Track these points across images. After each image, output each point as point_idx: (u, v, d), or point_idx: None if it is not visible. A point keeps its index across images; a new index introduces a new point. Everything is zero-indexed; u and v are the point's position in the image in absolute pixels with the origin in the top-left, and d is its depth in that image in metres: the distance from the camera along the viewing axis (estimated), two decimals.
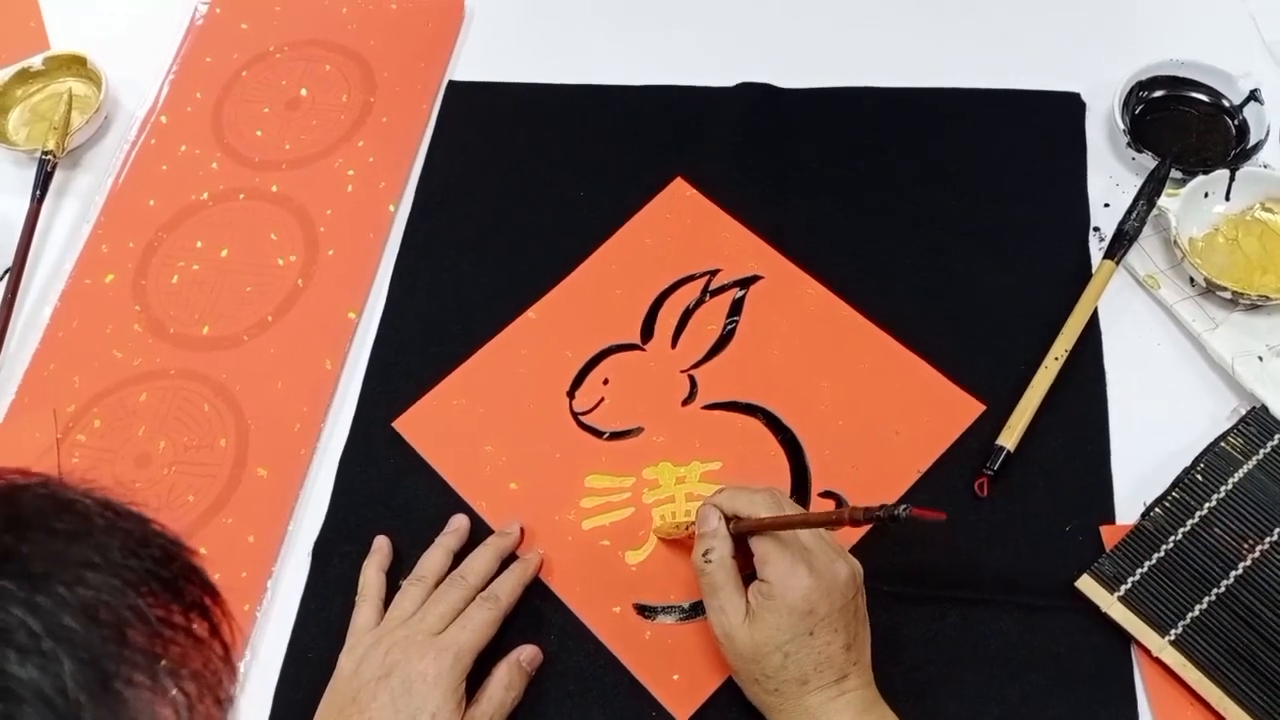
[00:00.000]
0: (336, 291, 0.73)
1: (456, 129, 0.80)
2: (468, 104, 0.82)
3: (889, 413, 0.65)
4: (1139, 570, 0.59)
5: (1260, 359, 0.65)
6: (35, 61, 0.85)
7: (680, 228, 0.73)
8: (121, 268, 0.76)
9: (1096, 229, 0.71)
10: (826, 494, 0.63)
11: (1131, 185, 0.72)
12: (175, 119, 0.83)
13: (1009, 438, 0.62)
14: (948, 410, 0.65)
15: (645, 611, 0.60)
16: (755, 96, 0.79)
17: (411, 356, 0.70)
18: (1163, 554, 0.59)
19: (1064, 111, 0.76)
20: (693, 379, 0.68)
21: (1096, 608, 0.58)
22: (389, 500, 0.65)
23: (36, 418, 0.69)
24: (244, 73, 0.85)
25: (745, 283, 0.71)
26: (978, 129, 0.76)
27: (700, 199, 0.74)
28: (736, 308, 0.70)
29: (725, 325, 0.69)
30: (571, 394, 0.68)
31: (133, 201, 0.79)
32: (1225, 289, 0.65)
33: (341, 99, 0.82)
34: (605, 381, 0.68)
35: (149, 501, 0.65)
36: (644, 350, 0.69)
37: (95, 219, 0.79)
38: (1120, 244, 0.69)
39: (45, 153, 0.78)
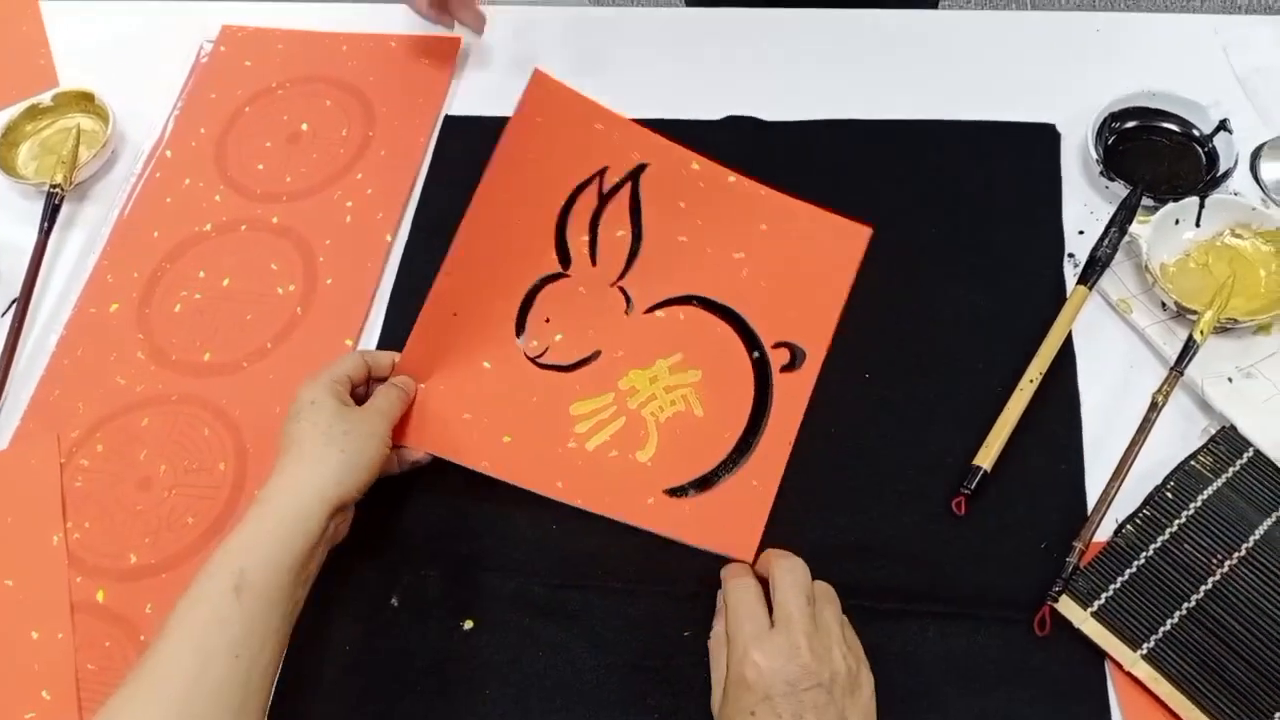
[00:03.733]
0: (334, 319, 0.75)
1: (452, 162, 0.83)
2: (463, 137, 0.84)
3: (798, 260, 0.73)
4: (1112, 586, 0.60)
5: (1230, 380, 0.67)
6: (45, 98, 0.88)
7: (555, 132, 0.71)
8: (126, 297, 0.78)
9: (1071, 255, 0.73)
10: (780, 344, 0.70)
11: (1105, 213, 0.74)
12: (180, 153, 0.86)
13: (985, 458, 0.64)
14: (844, 242, 0.74)
15: (675, 493, 0.66)
16: (742, 129, 0.81)
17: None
18: (1135, 570, 0.60)
19: (1040, 142, 0.79)
20: (624, 290, 0.71)
21: (1071, 623, 0.59)
22: (385, 519, 0.66)
23: (41, 443, 0.71)
24: (247, 108, 0.88)
25: (634, 175, 0.73)
26: (957, 159, 0.78)
27: (563, 88, 0.72)
28: (635, 205, 0.73)
29: (632, 228, 0.72)
30: (520, 341, 0.70)
31: (138, 233, 0.81)
32: (1195, 312, 0.67)
33: (341, 133, 0.85)
34: (547, 320, 0.70)
35: (150, 524, 0.67)
36: (569, 276, 0.71)
37: (101, 250, 0.81)
38: (1093, 269, 0.71)
39: (53, 186, 0.81)
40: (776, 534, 0.64)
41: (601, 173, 0.73)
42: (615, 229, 0.72)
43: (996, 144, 0.79)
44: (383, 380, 0.67)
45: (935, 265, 0.74)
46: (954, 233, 0.75)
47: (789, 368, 0.70)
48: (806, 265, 0.73)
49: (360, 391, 0.66)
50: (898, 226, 0.75)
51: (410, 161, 0.82)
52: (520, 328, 0.70)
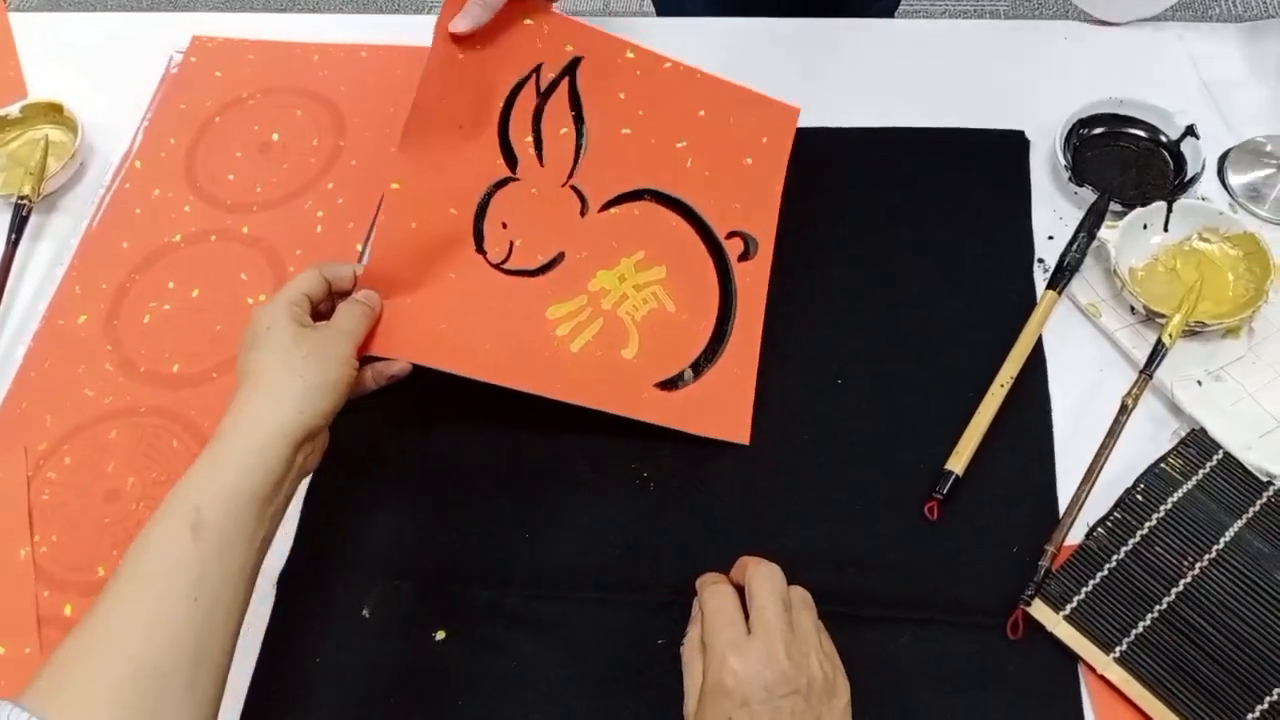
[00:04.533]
0: None
1: None
2: None
3: (736, 147, 0.75)
4: (1084, 590, 0.60)
5: (1199, 383, 0.67)
6: (13, 109, 0.87)
7: (484, 33, 0.68)
8: (94, 308, 0.77)
9: (1040, 260, 0.74)
10: (732, 234, 0.72)
11: (1074, 218, 0.74)
12: (149, 164, 0.85)
13: (957, 462, 0.64)
14: (776, 124, 0.76)
15: (666, 385, 0.68)
16: None
17: (378, 391, 0.71)
18: (1106, 573, 0.60)
19: (1009, 149, 0.79)
20: (576, 189, 0.71)
21: (1044, 627, 0.59)
22: (357, 529, 0.66)
23: (8, 455, 0.70)
24: (217, 118, 0.87)
25: (569, 69, 0.72)
26: (927, 166, 0.79)
27: None
28: (575, 100, 0.72)
29: (574, 125, 0.72)
30: (481, 250, 0.68)
31: (106, 244, 0.81)
32: (1164, 316, 0.68)
33: (312, 143, 0.85)
34: (504, 225, 0.69)
35: (118, 536, 0.67)
36: (519, 179, 0.70)
37: (69, 261, 0.80)
38: (1062, 274, 0.71)
39: (21, 197, 0.80)
40: (749, 541, 0.63)
41: (537, 70, 0.71)
42: (558, 126, 0.71)
43: (966, 151, 0.79)
44: (346, 295, 0.63)
45: (906, 271, 0.74)
46: (924, 239, 0.75)
47: (745, 257, 0.72)
48: (744, 151, 0.75)
49: (324, 307, 0.63)
50: (866, 234, 0.76)
51: (381, 171, 0.82)
52: (479, 235, 0.68)
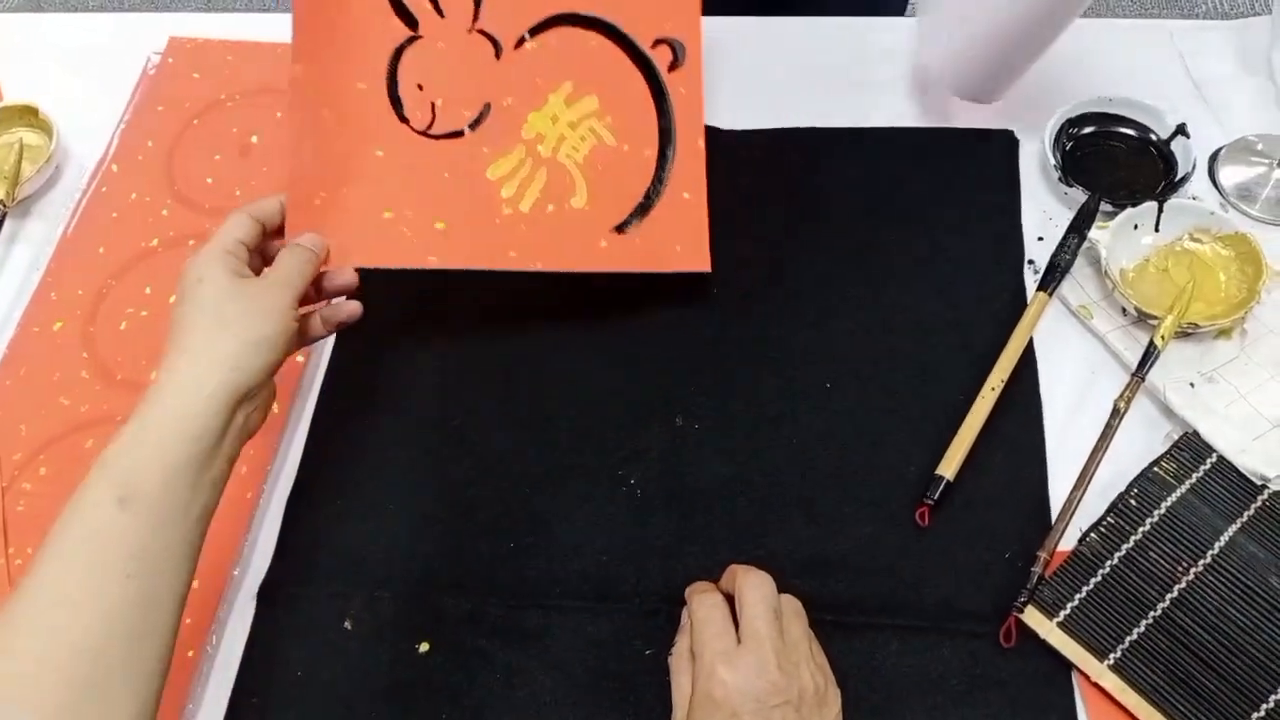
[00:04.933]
0: None
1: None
2: None
3: None
4: (1077, 596, 0.59)
5: (1192, 385, 0.66)
6: None
7: None
8: (70, 315, 0.76)
9: (1031, 262, 0.73)
10: (658, 42, 0.70)
11: (1064, 218, 0.74)
12: (126, 167, 0.84)
13: (948, 467, 0.63)
14: None
15: (621, 228, 0.67)
16: None
17: (360, 396, 0.70)
18: (1100, 579, 0.60)
19: (998, 148, 0.78)
20: (484, 33, 0.67)
21: (1037, 634, 0.58)
22: (337, 541, 0.65)
23: None
24: (195, 121, 0.86)
25: None
26: (914, 167, 0.78)
27: None
28: None
29: None
30: (404, 118, 0.66)
31: (83, 249, 0.79)
32: (1156, 318, 0.67)
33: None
34: (420, 88, 0.65)
35: None
36: (422, 36, 0.66)
37: (45, 267, 0.79)
38: (1053, 276, 0.70)
39: None
40: (735, 546, 0.62)
41: None
42: None
43: (954, 151, 0.78)
44: (279, 231, 0.60)
45: (894, 274, 0.73)
46: (912, 242, 0.74)
47: (674, 66, 0.70)
48: None
49: (275, 246, 0.60)
50: (855, 236, 0.75)
51: None
52: (397, 104, 0.65)
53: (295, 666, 0.60)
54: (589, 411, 0.69)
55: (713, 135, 0.79)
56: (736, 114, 0.81)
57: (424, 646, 0.61)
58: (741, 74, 0.84)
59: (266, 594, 0.63)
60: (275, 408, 0.69)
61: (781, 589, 0.57)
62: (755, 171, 0.78)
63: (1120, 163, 0.77)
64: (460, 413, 0.69)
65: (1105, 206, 0.73)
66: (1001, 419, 0.65)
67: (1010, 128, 0.79)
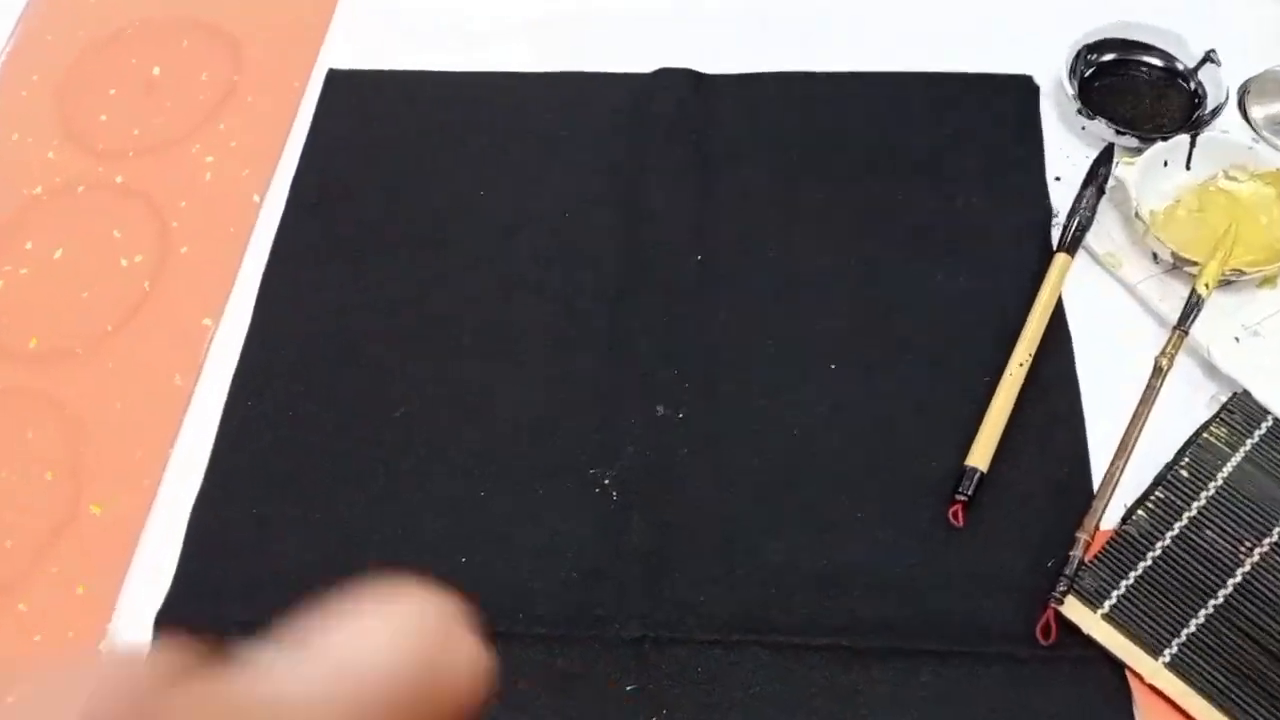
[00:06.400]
0: (191, 295, 0.62)
1: (338, 121, 0.70)
2: (350, 94, 0.72)
3: None
4: (1124, 583, 0.51)
5: (1236, 340, 0.58)
6: None
7: None
8: None
9: (1055, 214, 0.64)
10: None
11: (1082, 157, 0.65)
12: (8, 104, 0.72)
13: (980, 457, 0.54)
14: None
15: None
16: (676, 83, 0.70)
17: (283, 375, 0.60)
18: (1150, 562, 0.52)
19: (1016, 96, 0.69)
20: None
21: (1087, 656, 0.50)
22: (254, 556, 0.54)
23: None
24: (89, 52, 0.74)
25: None
26: (921, 116, 0.68)
27: None
28: None
29: None
30: None
31: None
32: (1195, 264, 0.59)
33: (201, 78, 0.72)
34: None
35: None
36: None
37: None
38: (1073, 232, 0.62)
39: None
40: (734, 563, 0.53)
41: None
42: None
43: (965, 99, 0.69)
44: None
45: (905, 239, 0.64)
46: (924, 201, 0.65)
47: None
48: None
49: None
50: (857, 196, 0.65)
51: (284, 110, 0.70)
52: None
53: None
54: (553, 400, 0.59)
55: (695, 81, 0.70)
56: (720, 58, 0.71)
57: None
58: (723, 15, 0.75)
59: (164, 623, 0.52)
60: (179, 379, 0.59)
61: (783, 609, 0.50)
62: (744, 122, 0.69)
63: (1143, 94, 0.69)
64: (398, 395, 0.59)
65: (1130, 142, 0.65)
66: (1033, 397, 0.57)
67: (1021, 65, 0.70)
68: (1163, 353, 0.56)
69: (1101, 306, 0.61)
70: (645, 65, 0.71)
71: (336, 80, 0.73)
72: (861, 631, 0.51)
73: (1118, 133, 0.65)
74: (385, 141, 0.70)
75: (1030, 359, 0.58)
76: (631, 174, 0.67)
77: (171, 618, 0.52)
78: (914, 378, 0.59)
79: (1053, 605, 0.50)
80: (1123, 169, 0.63)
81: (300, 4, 0.75)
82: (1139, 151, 0.64)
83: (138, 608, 0.52)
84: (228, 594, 0.53)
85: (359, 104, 0.72)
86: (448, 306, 0.62)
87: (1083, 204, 0.63)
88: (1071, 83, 0.67)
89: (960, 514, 0.54)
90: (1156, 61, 0.70)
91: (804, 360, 0.59)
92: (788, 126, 0.69)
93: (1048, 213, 0.65)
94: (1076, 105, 0.66)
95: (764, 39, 0.73)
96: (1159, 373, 0.56)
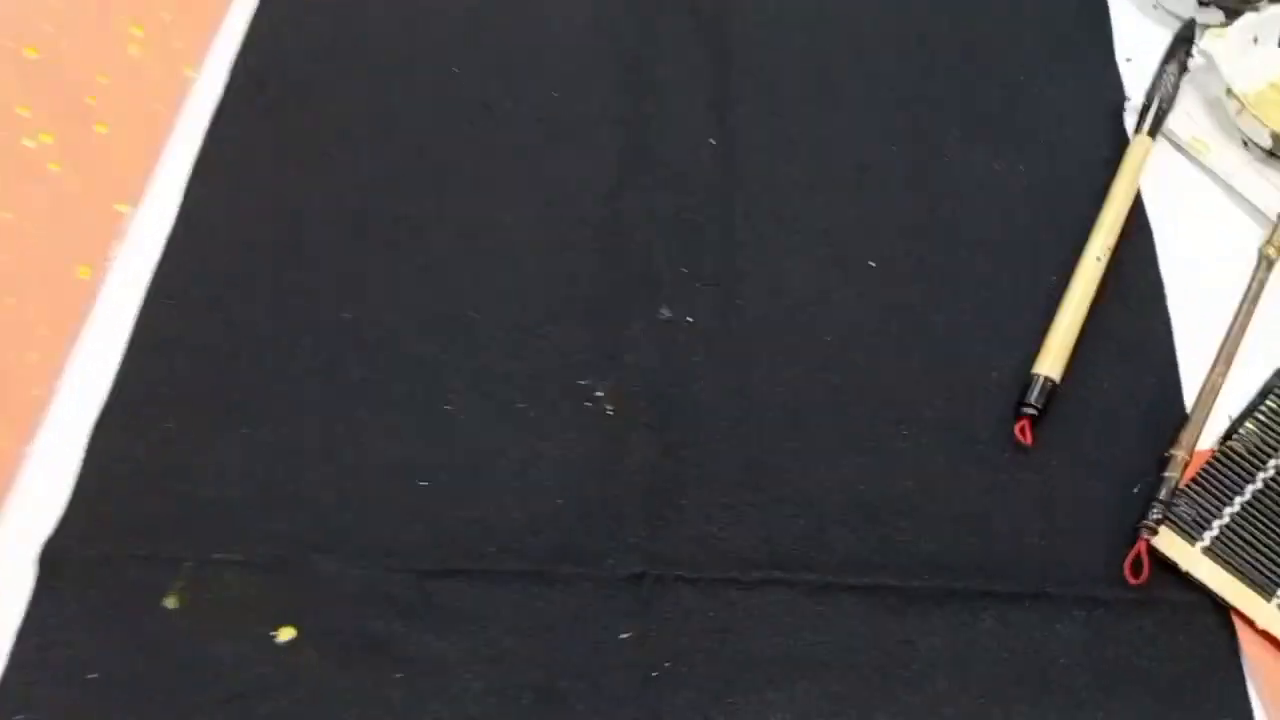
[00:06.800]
0: (107, 180, 0.52)
1: None
2: None
3: None
4: (1227, 511, 0.43)
5: None
6: None
7: None
8: None
9: (1128, 99, 0.55)
10: None
11: (1155, 37, 0.57)
12: None
13: (1051, 365, 0.45)
14: None
15: None
16: None
17: (212, 270, 0.50)
18: (1260, 485, 0.43)
19: None
20: None
21: (1185, 598, 0.41)
22: (161, 479, 0.44)
23: None
24: None
25: None
26: None
27: None
28: None
29: None
30: None
31: None
32: None
33: None
34: None
35: None
36: None
37: None
38: (1154, 113, 0.53)
39: None
40: (757, 491, 0.44)
41: None
42: None
43: None
44: None
45: (954, 123, 0.55)
46: (974, 84, 0.57)
47: None
48: None
49: None
50: (902, 76, 0.57)
51: None
52: None
53: (88, 665, 0.40)
54: (537, 298, 0.49)
55: None
56: None
57: (286, 633, 0.41)
58: None
59: (52, 560, 0.42)
60: (84, 272, 0.49)
61: (825, 543, 0.42)
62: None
63: None
64: (353, 297, 0.49)
65: (1213, 16, 0.56)
66: (1110, 296, 0.48)
67: None
68: (1268, 243, 0.47)
69: (1185, 197, 0.52)
70: None
71: None
72: (912, 570, 0.42)
73: (1200, 3, 0.56)
74: (343, 13, 0.60)
75: (1109, 253, 0.48)
76: (633, 42, 0.57)
77: (58, 553, 0.42)
78: (970, 276, 0.50)
79: (1144, 538, 0.42)
80: (1209, 42, 0.54)
81: None
82: (1224, 27, 0.55)
83: (21, 538, 0.43)
84: (125, 526, 0.43)
85: None
86: (412, 196, 0.53)
87: (1165, 82, 0.54)
88: None
89: (1028, 430, 0.44)
90: None
91: (838, 257, 0.50)
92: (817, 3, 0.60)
93: (1119, 94, 0.55)
94: None
95: None
96: (1266, 264, 0.47)
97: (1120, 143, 0.54)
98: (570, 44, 0.57)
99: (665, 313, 0.49)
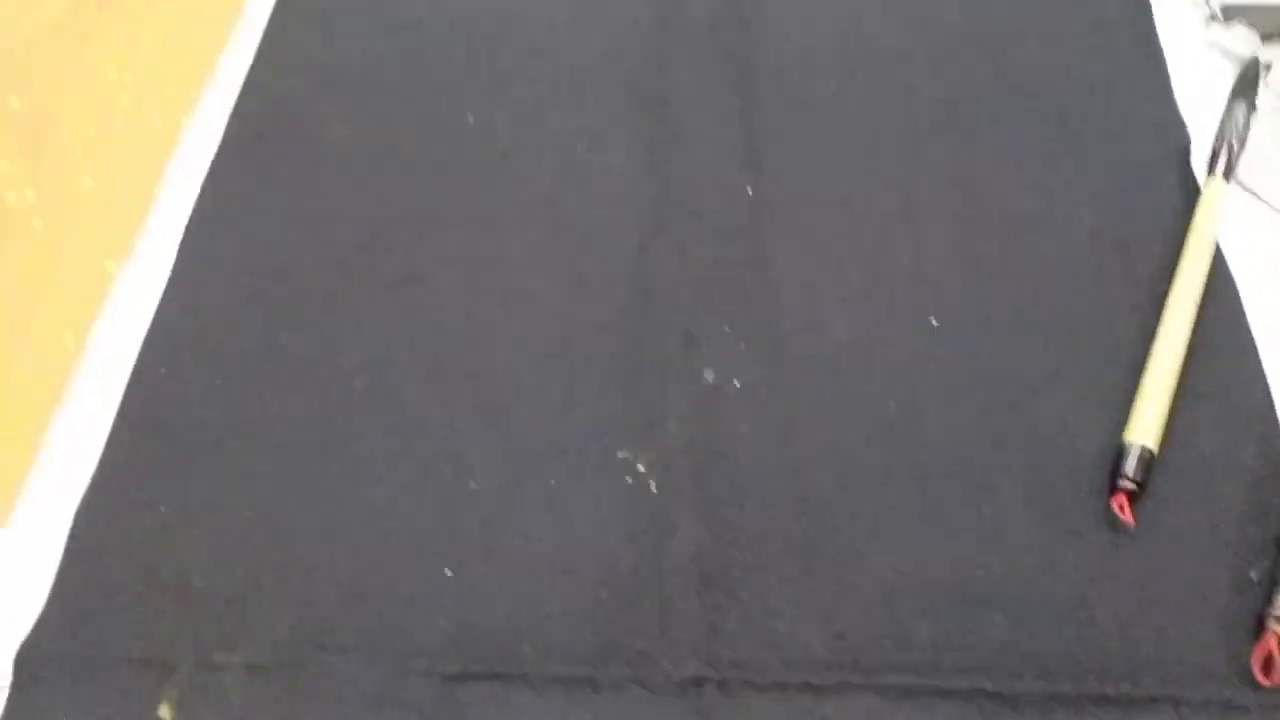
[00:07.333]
0: (93, 235, 0.48)
1: (295, 33, 0.58)
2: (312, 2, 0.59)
3: None
4: None
5: None
6: None
7: None
8: None
9: (1191, 141, 0.52)
10: None
11: (1211, 76, 0.53)
12: None
13: (1147, 432, 0.41)
14: None
15: None
16: None
17: (208, 334, 0.45)
18: None
19: (1124, 9, 0.57)
20: None
21: None
22: (156, 569, 0.39)
23: None
24: None
25: None
26: (1020, 31, 0.56)
27: None
28: None
29: None
30: None
31: None
32: None
33: None
34: None
35: None
36: None
37: None
38: (1224, 154, 0.49)
39: None
40: (821, 576, 0.39)
41: None
42: None
43: (1069, 11, 0.57)
44: None
45: (1003, 165, 0.51)
46: (1027, 111, 0.53)
47: None
48: None
49: None
50: (947, 112, 0.53)
51: (225, 12, 0.57)
52: None
53: None
54: (566, 360, 0.45)
55: None
56: None
57: None
58: None
59: (29, 663, 0.38)
60: (69, 337, 0.44)
61: (899, 636, 0.37)
62: (795, 20, 0.56)
63: None
64: (362, 361, 0.45)
65: (1277, 52, 0.53)
66: (1197, 353, 0.44)
67: None
68: None
69: (1265, 242, 0.48)
70: None
71: None
72: (1011, 670, 0.37)
73: (1263, 39, 0.53)
74: (352, 57, 0.57)
75: (1196, 306, 0.44)
76: (661, 89, 0.54)
77: (36, 655, 0.37)
78: (1038, 329, 0.45)
79: (1274, 630, 0.36)
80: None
81: None
82: None
83: None
84: (112, 624, 0.38)
85: (322, 15, 0.59)
86: (426, 252, 0.49)
87: (1234, 123, 0.50)
88: None
89: (1127, 507, 0.40)
90: None
91: (891, 308, 0.46)
92: (861, 18, 0.56)
93: (1183, 136, 0.52)
94: (1210, 10, 0.54)
95: None
96: None
97: (1188, 186, 0.50)
98: (590, 88, 0.54)
99: (709, 376, 0.44)
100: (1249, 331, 0.45)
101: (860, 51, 0.55)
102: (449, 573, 0.39)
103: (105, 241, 0.48)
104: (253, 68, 0.56)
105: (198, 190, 0.51)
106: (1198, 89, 0.54)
